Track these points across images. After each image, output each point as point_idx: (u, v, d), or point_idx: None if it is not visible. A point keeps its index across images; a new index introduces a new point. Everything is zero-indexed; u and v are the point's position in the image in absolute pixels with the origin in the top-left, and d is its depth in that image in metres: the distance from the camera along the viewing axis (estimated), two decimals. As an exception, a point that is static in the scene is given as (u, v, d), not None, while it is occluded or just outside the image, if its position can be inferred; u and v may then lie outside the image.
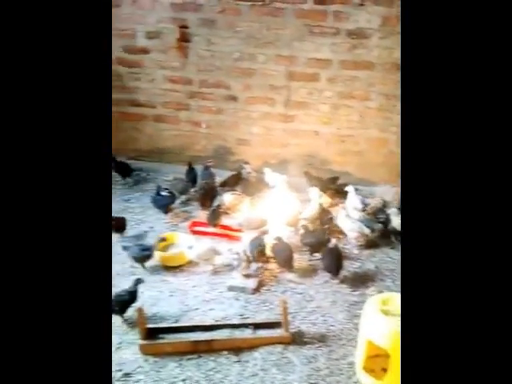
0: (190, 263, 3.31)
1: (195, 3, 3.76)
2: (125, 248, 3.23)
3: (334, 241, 3.18)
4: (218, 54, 3.94)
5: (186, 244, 3.35)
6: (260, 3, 3.65)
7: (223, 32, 3.84)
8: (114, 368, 2.49)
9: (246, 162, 4.17)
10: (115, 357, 2.56)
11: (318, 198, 3.67)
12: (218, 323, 2.73)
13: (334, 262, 3.13)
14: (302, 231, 3.45)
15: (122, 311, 2.71)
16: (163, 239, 3.35)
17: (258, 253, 3.21)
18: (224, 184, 4.08)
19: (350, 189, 3.80)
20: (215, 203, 3.78)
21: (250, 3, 3.68)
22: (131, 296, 2.73)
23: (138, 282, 2.77)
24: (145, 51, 4.02)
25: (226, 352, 2.59)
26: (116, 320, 2.80)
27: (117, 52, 4.05)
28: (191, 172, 4.12)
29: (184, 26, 3.85)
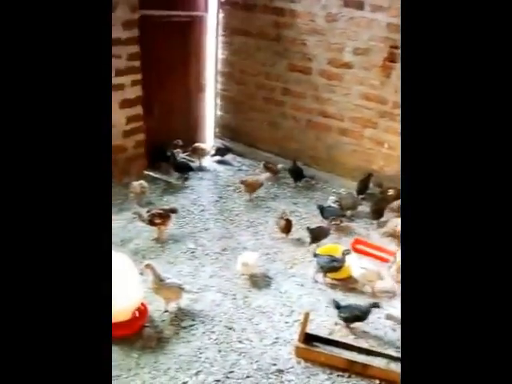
0: (350, 279, 3.31)
1: (412, 25, 3.71)
2: (315, 255, 3.32)
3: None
4: (421, 78, 3.84)
5: (353, 261, 3.33)
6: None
7: (433, 57, 3.73)
8: (268, 360, 2.62)
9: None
10: (271, 351, 2.68)
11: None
12: (376, 349, 2.68)
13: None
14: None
15: (347, 321, 2.86)
16: (347, 251, 3.30)
17: None
18: (392, 209, 4.00)
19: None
20: (386, 227, 3.73)
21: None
22: (362, 314, 2.82)
23: (375, 305, 2.85)
24: (348, 66, 4.11)
25: (378, 381, 2.53)
26: (271, 315, 2.93)
27: (322, 64, 4.21)
28: (363, 184, 4.13)
29: (394, 47, 3.84)
